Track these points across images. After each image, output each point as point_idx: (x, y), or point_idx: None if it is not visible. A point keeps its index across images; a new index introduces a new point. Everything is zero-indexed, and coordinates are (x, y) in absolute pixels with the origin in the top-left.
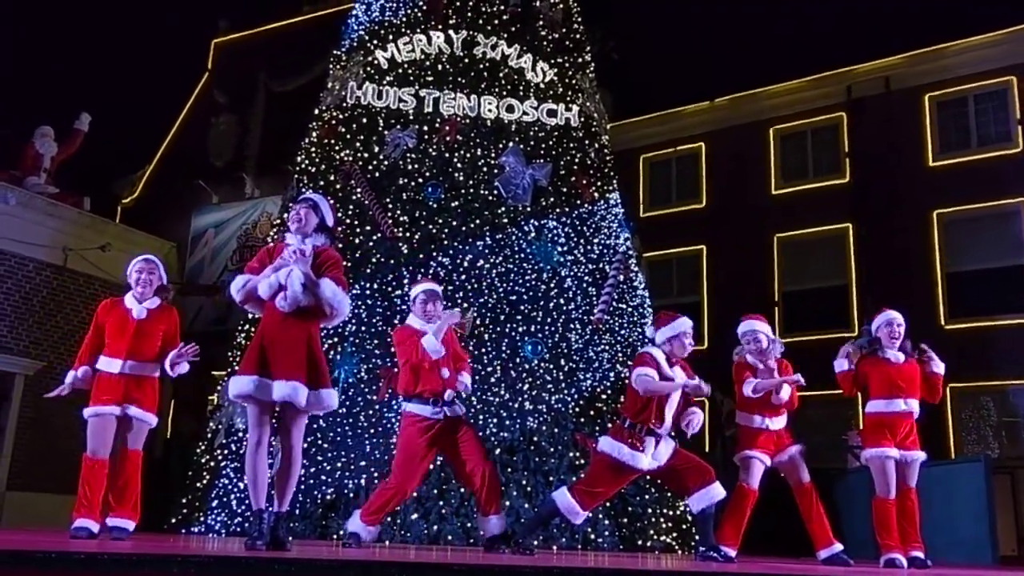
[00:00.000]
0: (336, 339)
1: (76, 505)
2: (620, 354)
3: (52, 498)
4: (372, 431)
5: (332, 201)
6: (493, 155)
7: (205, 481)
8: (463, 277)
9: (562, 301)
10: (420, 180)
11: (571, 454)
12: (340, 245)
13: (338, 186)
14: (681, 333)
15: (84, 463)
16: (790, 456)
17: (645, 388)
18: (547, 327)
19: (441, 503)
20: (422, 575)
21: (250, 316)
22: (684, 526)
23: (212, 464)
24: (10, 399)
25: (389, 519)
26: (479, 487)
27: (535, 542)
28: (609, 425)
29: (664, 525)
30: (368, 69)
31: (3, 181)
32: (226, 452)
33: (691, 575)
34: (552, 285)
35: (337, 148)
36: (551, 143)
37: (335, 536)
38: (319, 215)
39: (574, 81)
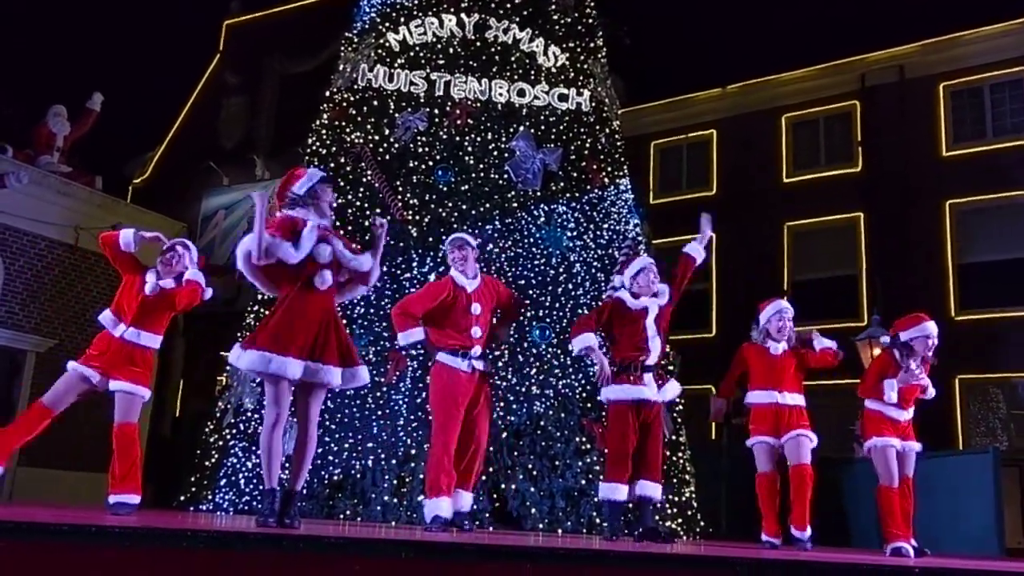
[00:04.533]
0: (345, 321)
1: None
2: None
3: (63, 474)
4: (379, 413)
5: (342, 183)
6: (504, 139)
7: (214, 460)
8: None
9: (571, 286)
10: (430, 163)
11: (577, 439)
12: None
13: (348, 168)
14: (640, 271)
15: (33, 407)
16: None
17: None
18: (555, 312)
19: None
20: (429, 553)
21: (259, 296)
22: (689, 512)
23: (221, 443)
24: (22, 376)
25: (395, 500)
26: (469, 460)
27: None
28: None
29: (670, 511)
30: (379, 51)
31: (17, 160)
32: (234, 431)
33: (694, 559)
34: (561, 270)
35: (348, 130)
36: (562, 128)
37: (342, 516)
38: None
39: (586, 66)
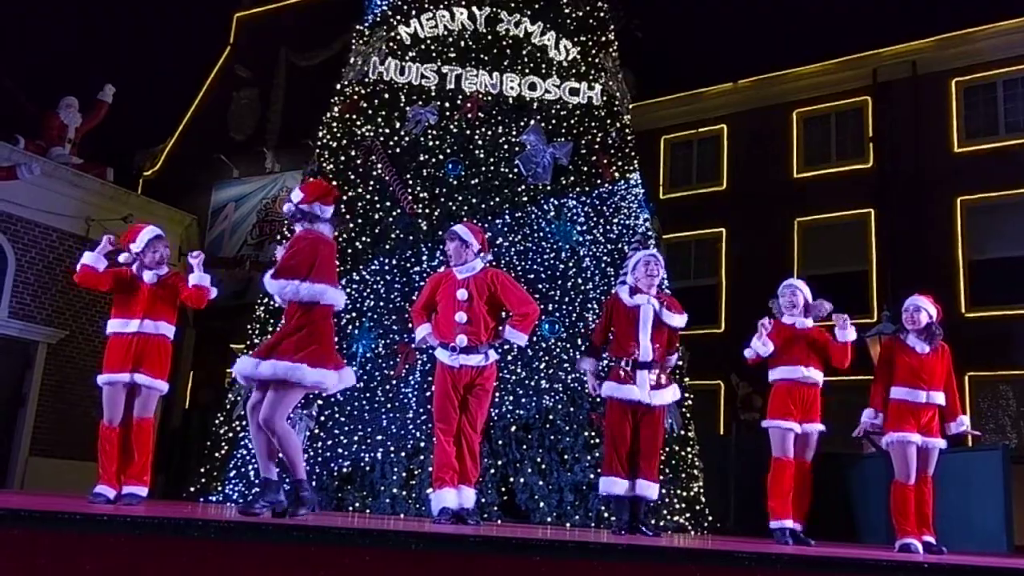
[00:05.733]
0: (354, 314)
1: (101, 469)
2: None
3: (73, 464)
4: (389, 406)
5: (352, 176)
6: (514, 133)
7: (223, 451)
8: None
9: (580, 280)
10: (441, 157)
11: (586, 433)
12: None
13: (359, 161)
14: (637, 264)
15: (100, 431)
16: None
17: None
18: (565, 306)
19: None
20: (438, 545)
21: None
22: (697, 507)
23: (230, 435)
24: (33, 367)
25: (404, 493)
26: (470, 454)
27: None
28: None
29: (678, 506)
30: (391, 44)
31: (29, 151)
32: (244, 423)
33: (701, 553)
34: (570, 264)
35: (358, 123)
36: (572, 122)
37: (351, 508)
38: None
39: (597, 60)
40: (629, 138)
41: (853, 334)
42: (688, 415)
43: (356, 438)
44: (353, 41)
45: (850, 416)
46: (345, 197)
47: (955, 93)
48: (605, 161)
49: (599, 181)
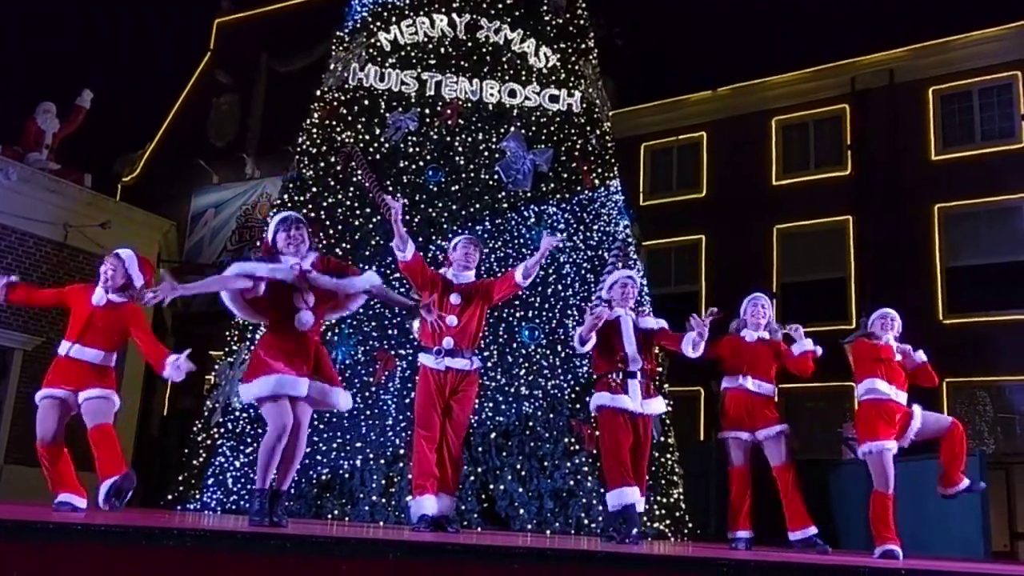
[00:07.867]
0: (334, 321)
1: (51, 484)
2: None
3: None
4: (368, 413)
5: (332, 183)
6: (494, 140)
7: (201, 459)
8: None
9: (560, 287)
10: (421, 163)
11: (566, 440)
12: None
13: (338, 168)
14: (615, 283)
15: (37, 451)
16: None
17: (578, 337)
18: (545, 313)
19: None
20: (417, 554)
21: None
22: (677, 514)
23: (208, 442)
24: (9, 374)
25: (383, 500)
26: (452, 461)
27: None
28: None
29: (657, 512)
30: (371, 51)
31: (5, 156)
32: (222, 430)
33: (681, 560)
34: (551, 271)
35: (338, 130)
36: (553, 129)
37: (330, 516)
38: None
39: (577, 67)
40: (609, 145)
41: (810, 344)
42: (668, 421)
43: (335, 445)
44: (333, 47)
45: (824, 422)
46: (325, 204)
47: (932, 101)
48: (585, 168)
49: (579, 188)
